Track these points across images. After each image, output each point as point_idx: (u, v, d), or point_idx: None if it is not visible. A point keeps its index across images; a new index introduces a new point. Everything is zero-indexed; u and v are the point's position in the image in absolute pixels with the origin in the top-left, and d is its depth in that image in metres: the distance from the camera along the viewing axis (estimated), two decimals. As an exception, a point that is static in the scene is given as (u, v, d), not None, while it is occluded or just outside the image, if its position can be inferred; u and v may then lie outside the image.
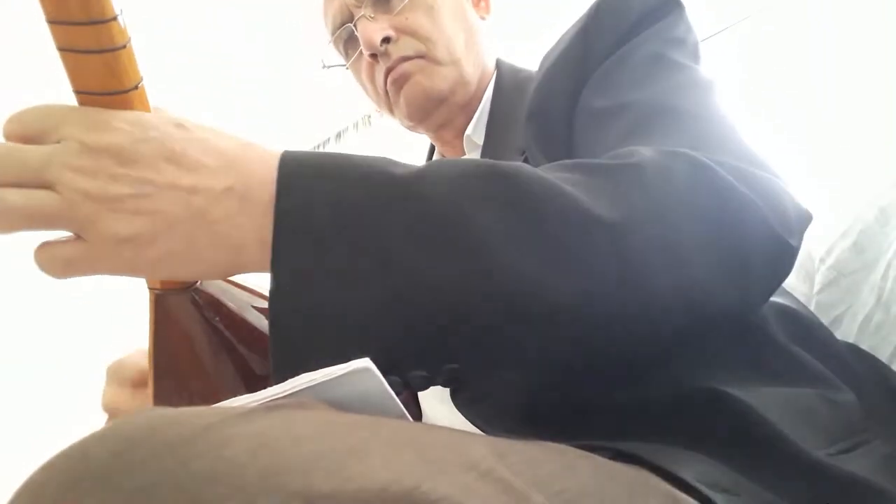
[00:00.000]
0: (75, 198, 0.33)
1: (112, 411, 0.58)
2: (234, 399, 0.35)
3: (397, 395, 0.36)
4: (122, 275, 0.36)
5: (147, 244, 0.34)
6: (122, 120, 0.35)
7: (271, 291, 0.34)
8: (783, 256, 0.45)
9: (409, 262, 0.35)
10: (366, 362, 0.35)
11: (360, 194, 0.36)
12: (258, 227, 0.35)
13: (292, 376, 0.33)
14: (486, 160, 0.40)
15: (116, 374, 0.58)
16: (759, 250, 0.43)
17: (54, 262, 0.35)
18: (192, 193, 0.35)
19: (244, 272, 0.38)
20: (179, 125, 0.36)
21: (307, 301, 0.34)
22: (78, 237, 0.34)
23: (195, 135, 0.36)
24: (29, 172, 0.33)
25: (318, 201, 0.35)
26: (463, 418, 0.53)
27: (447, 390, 0.56)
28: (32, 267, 0.36)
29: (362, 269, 0.34)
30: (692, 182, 0.42)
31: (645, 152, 0.43)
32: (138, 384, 0.59)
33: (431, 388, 0.60)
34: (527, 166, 0.40)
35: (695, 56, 0.57)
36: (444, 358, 0.36)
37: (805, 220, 0.47)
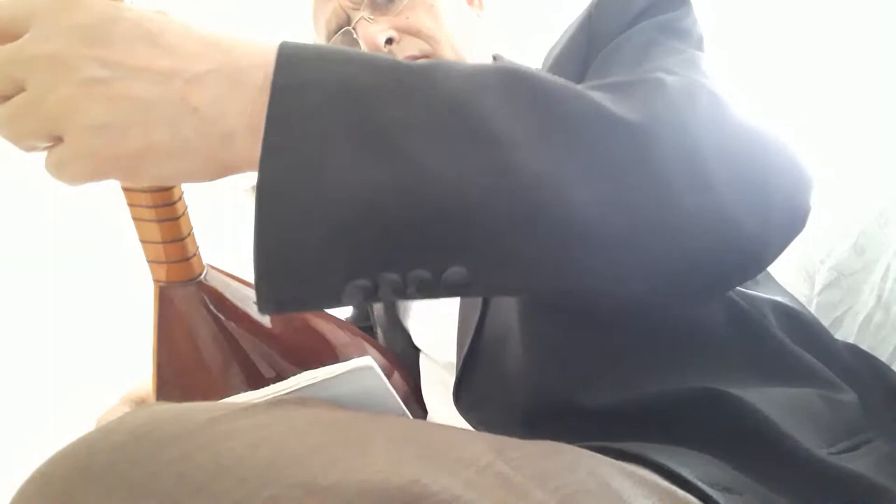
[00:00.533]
0: (41, 91, 0.31)
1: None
2: (236, 396, 0.35)
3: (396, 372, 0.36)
4: (109, 175, 0.33)
5: (123, 133, 0.31)
6: (94, 1, 0.32)
7: (260, 179, 0.30)
8: (804, 192, 0.43)
9: (416, 151, 0.31)
10: (367, 360, 0.35)
11: (368, 78, 0.32)
12: (249, 112, 0.32)
13: (277, 278, 0.30)
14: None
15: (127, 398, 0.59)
16: (780, 182, 0.41)
17: (51, 168, 0.33)
18: (171, 76, 0.31)
19: (234, 170, 0.34)
20: (160, 12, 0.33)
21: (300, 187, 0.30)
22: (60, 137, 0.32)
23: (176, 20, 0.33)
24: None
25: (320, 80, 0.32)
26: (464, 421, 0.53)
27: (450, 393, 0.57)
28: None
29: (364, 156, 0.31)
30: (713, 106, 0.40)
31: (664, 75, 0.40)
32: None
33: (434, 389, 0.60)
34: (543, 72, 0.38)
35: (699, 48, 0.55)
36: (449, 257, 0.32)
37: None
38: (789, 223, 0.42)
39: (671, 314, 0.47)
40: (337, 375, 0.34)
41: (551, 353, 0.47)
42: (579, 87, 0.37)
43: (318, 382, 0.34)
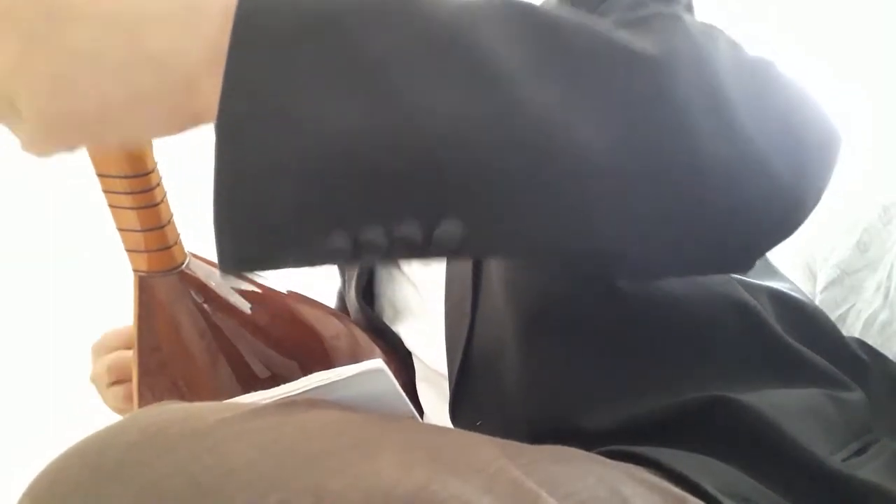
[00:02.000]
0: None
1: (99, 378, 0.58)
2: (246, 396, 0.35)
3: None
4: (71, 139, 0.30)
5: (73, 91, 0.27)
6: None
7: (219, 117, 0.26)
8: (835, 146, 0.39)
9: (403, 89, 0.27)
10: (377, 363, 0.35)
11: (347, 3, 0.28)
12: (212, 48, 0.27)
13: (239, 230, 0.27)
14: None
15: (100, 348, 0.58)
16: (811, 132, 0.37)
17: (21, 140, 0.30)
18: (114, 19, 0.27)
19: (206, 118, 0.30)
20: None
21: (266, 128, 0.26)
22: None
23: None
24: None
25: (291, 4, 0.27)
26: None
27: (444, 391, 0.56)
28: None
29: (343, 93, 0.27)
30: (734, 48, 0.36)
31: (682, 11, 0.37)
32: (123, 348, 0.58)
33: (429, 388, 0.60)
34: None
35: (688, 10, 0.50)
36: (442, 209, 0.29)
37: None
38: (822, 178, 0.38)
39: (673, 316, 0.46)
40: (347, 377, 0.34)
41: (551, 371, 0.46)
42: (586, 18, 0.33)
43: (329, 384, 0.34)
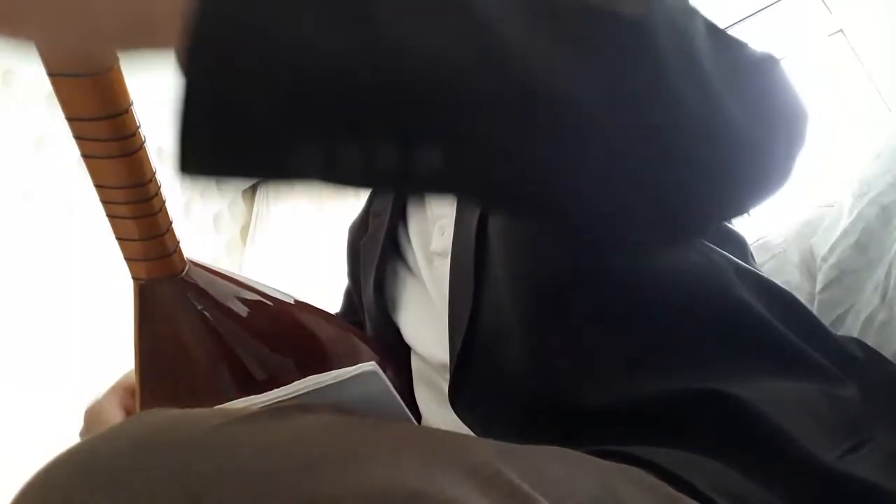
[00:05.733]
0: None
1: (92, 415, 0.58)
2: (239, 400, 0.35)
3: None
4: (22, 21, 0.28)
5: None
6: None
7: (193, 22, 0.25)
8: (801, 120, 0.41)
9: (390, 18, 0.27)
10: (371, 365, 0.35)
11: None
12: None
13: (203, 128, 0.26)
14: None
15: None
16: (782, 102, 0.39)
17: None
18: None
19: (157, 30, 0.28)
20: None
21: (242, 40, 0.25)
22: None
23: None
24: None
25: None
26: (459, 423, 0.52)
27: (441, 392, 0.56)
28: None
29: (325, 15, 0.27)
30: (710, 27, 0.38)
31: None
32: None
33: (427, 389, 0.60)
34: None
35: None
36: (421, 131, 0.29)
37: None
38: (789, 152, 0.40)
39: (668, 304, 0.46)
40: (341, 380, 0.34)
41: (551, 351, 0.47)
42: None
43: (323, 387, 0.34)
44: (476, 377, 0.51)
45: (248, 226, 2.91)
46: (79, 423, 0.60)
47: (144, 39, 0.28)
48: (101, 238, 0.49)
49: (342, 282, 0.86)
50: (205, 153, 0.26)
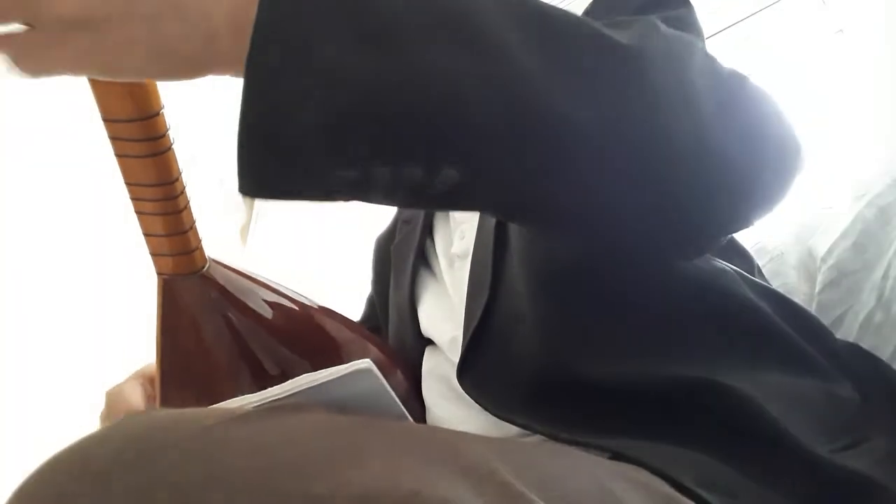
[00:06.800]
0: None
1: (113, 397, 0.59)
2: (234, 399, 0.35)
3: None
4: (79, 68, 0.33)
5: (99, 28, 0.31)
6: None
7: (249, 56, 0.29)
8: (794, 156, 0.43)
9: (416, 48, 0.31)
10: (367, 363, 0.35)
11: None
12: (234, 9, 0.31)
13: (260, 154, 0.30)
14: None
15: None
16: (772, 135, 0.42)
17: (12, 52, 0.32)
18: None
19: (215, 70, 0.34)
20: None
21: (292, 67, 0.30)
22: (31, 26, 0.32)
23: None
24: None
25: None
26: (466, 415, 0.53)
27: (451, 386, 0.56)
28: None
29: (362, 46, 0.30)
30: (707, 58, 0.40)
31: (660, 23, 0.41)
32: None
33: (435, 385, 0.60)
34: None
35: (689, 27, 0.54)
36: (442, 156, 0.33)
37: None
38: (779, 183, 0.43)
39: (676, 292, 0.48)
40: (335, 378, 0.34)
41: (562, 333, 0.48)
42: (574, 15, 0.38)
43: (317, 385, 0.34)
44: (487, 354, 0.52)
45: (249, 226, 2.91)
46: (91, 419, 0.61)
47: (195, 76, 0.33)
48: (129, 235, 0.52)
49: (342, 282, 0.87)
50: (259, 180, 0.30)
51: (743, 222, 0.43)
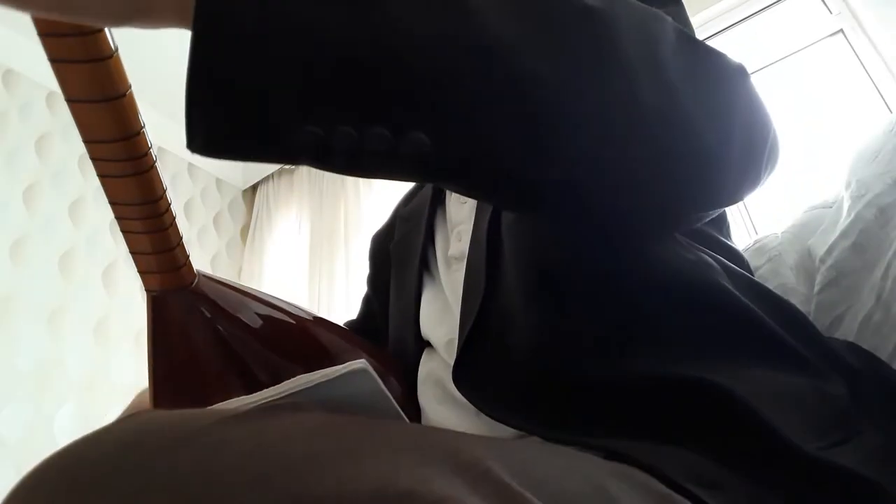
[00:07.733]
0: None
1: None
2: (230, 401, 0.35)
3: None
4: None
5: None
6: None
7: (193, 34, 0.26)
8: (765, 127, 0.44)
9: (389, 6, 0.30)
10: (362, 363, 0.35)
11: None
12: None
13: (210, 105, 0.27)
14: None
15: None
16: (741, 111, 0.42)
17: None
18: None
19: (154, 11, 0.30)
20: None
21: (250, 15, 0.27)
22: None
23: None
24: None
25: None
26: (461, 418, 0.53)
27: (446, 390, 0.57)
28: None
29: (323, 4, 0.28)
30: (678, 31, 0.40)
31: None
32: None
33: (431, 389, 0.60)
34: None
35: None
36: (411, 117, 0.31)
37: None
38: (749, 158, 0.43)
39: (665, 289, 0.48)
40: (331, 379, 0.34)
41: (555, 330, 0.48)
42: None
43: (313, 386, 0.34)
44: (482, 356, 0.52)
45: (248, 226, 2.91)
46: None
47: (142, 14, 0.29)
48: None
49: (342, 282, 0.87)
50: (204, 133, 0.27)
51: (715, 196, 0.43)
